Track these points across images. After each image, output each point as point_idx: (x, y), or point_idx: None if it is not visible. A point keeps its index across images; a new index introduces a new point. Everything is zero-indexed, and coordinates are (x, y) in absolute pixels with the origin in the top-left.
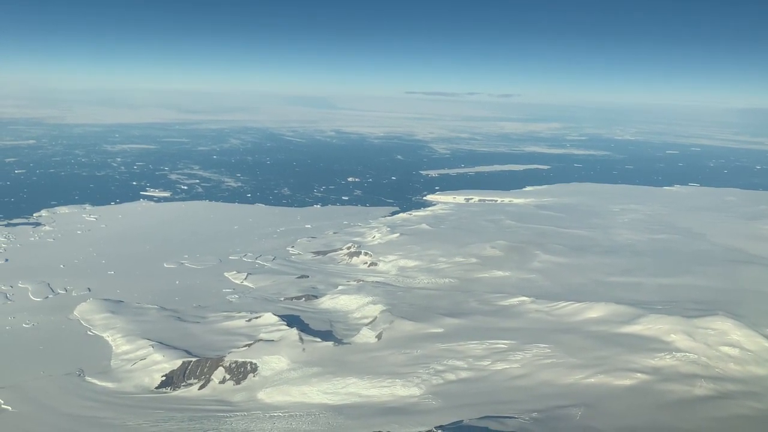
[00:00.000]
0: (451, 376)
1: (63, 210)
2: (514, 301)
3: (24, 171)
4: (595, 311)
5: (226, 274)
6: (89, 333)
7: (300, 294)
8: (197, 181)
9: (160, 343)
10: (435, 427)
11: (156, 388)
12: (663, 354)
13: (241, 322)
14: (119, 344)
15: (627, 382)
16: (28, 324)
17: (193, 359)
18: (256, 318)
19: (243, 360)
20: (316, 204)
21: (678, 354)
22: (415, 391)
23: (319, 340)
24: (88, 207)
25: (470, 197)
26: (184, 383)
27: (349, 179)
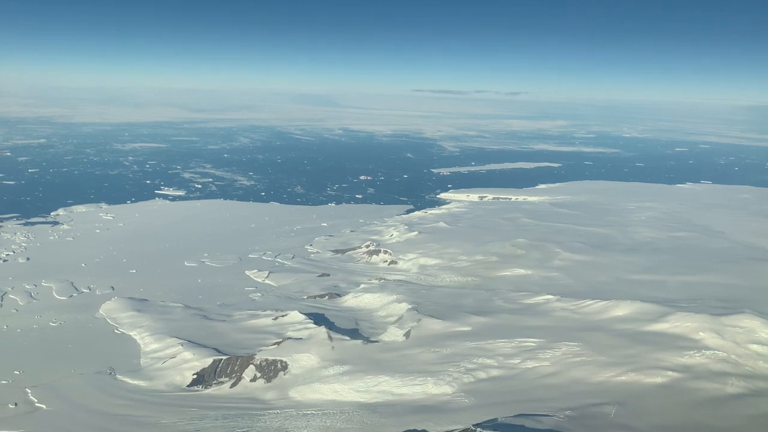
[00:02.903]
0: (482, 375)
1: (80, 209)
2: (540, 299)
3: (37, 170)
4: (621, 309)
5: (247, 273)
6: (116, 331)
7: (323, 292)
8: (210, 179)
9: (189, 341)
10: (473, 425)
11: (188, 386)
12: (692, 352)
13: (268, 321)
14: (147, 343)
15: (658, 380)
16: (54, 323)
17: (224, 357)
18: (283, 316)
19: (273, 358)
20: (331, 202)
21: (707, 352)
22: (447, 389)
23: (347, 338)
24: (104, 206)
25: (484, 195)
26: (215, 381)
27: (362, 177)
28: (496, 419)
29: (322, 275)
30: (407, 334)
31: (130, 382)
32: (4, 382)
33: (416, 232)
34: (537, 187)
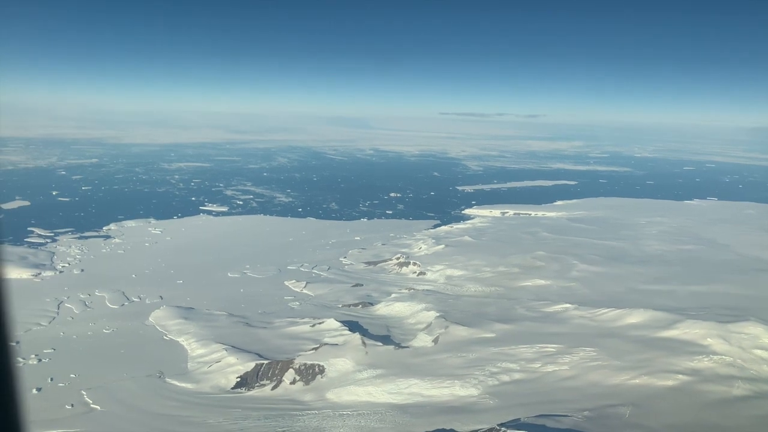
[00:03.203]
0: (506, 378)
1: (130, 224)
2: (558, 308)
3: (90, 188)
4: (635, 317)
5: (286, 283)
6: (165, 338)
7: (356, 301)
8: (251, 196)
9: (233, 346)
10: (497, 425)
11: (232, 388)
12: (701, 357)
13: (306, 327)
14: (194, 348)
15: (669, 382)
16: (108, 329)
17: (265, 362)
18: (320, 323)
19: (311, 362)
20: (363, 218)
21: (715, 357)
22: (473, 391)
23: (380, 344)
24: (152, 221)
25: (506, 211)
26: (257, 384)
27: (392, 194)
28: (519, 419)
29: (356, 285)
30: (436, 340)
31: (179, 384)
32: (61, 384)
33: (443, 245)
34: (555, 203)
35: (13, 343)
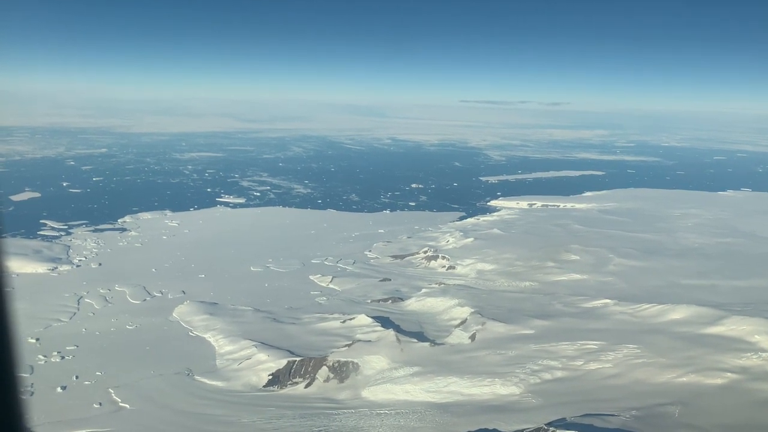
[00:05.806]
0: (547, 376)
1: (146, 216)
2: (598, 303)
3: (101, 178)
4: (678, 313)
5: (311, 277)
6: (191, 334)
7: (385, 296)
8: (268, 187)
9: (262, 343)
10: (545, 425)
11: (264, 386)
12: (749, 354)
13: (336, 324)
14: (222, 345)
15: (718, 381)
16: (131, 325)
17: (297, 359)
18: (350, 319)
19: (345, 359)
20: (385, 209)
21: (764, 354)
22: (514, 389)
23: (414, 340)
24: (168, 213)
25: (533, 203)
26: (290, 382)
27: (413, 185)
28: (564, 419)
29: (384, 280)
30: (473, 337)
31: (208, 382)
32: (87, 382)
33: (472, 239)
34: (584, 194)
35: (16, 341)
